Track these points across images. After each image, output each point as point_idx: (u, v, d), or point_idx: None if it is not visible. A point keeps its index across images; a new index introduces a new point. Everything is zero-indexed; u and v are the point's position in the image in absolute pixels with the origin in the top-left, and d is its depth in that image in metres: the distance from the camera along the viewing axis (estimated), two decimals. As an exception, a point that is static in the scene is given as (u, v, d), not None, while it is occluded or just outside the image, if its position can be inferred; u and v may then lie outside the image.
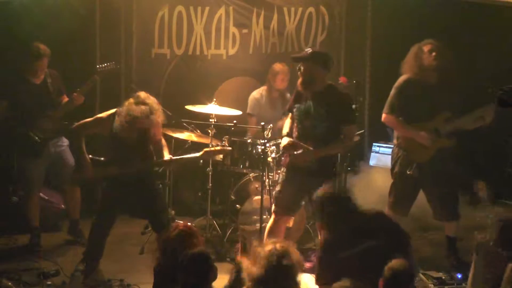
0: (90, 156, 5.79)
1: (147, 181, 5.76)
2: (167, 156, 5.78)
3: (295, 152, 5.58)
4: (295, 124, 5.78)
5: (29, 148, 6.42)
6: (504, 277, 4.40)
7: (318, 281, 4.86)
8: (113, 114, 5.67)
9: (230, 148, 6.27)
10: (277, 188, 5.88)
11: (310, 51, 5.68)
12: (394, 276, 4.19)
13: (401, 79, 6.21)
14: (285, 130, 5.89)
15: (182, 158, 5.91)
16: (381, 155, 7.78)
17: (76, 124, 5.84)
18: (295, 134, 5.76)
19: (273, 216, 5.89)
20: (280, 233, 5.91)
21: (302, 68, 5.64)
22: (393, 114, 6.18)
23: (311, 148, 5.56)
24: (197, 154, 5.86)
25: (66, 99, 6.58)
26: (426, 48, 6.13)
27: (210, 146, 6.20)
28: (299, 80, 5.69)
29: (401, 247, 4.60)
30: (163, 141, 5.92)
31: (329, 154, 5.61)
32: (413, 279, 4.30)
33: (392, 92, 6.22)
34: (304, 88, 5.65)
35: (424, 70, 6.11)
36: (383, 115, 6.25)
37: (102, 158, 5.80)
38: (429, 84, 6.12)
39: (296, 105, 5.75)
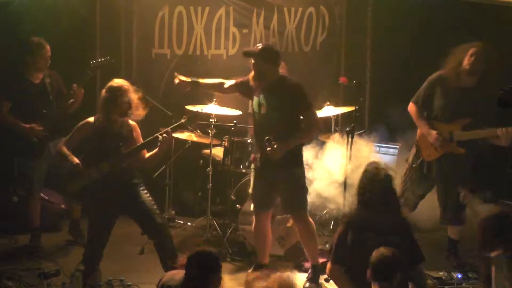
0: (78, 159, 5.66)
1: (130, 186, 5.68)
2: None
3: (268, 149, 5.61)
4: (252, 120, 5.92)
5: (28, 148, 6.42)
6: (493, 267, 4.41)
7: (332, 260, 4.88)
8: (90, 119, 5.69)
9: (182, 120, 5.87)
10: (251, 186, 5.98)
11: (260, 47, 5.78)
12: (380, 262, 4.20)
13: (435, 73, 6.21)
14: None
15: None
16: (381, 155, 7.77)
17: (60, 146, 5.74)
18: (254, 130, 5.89)
19: (254, 216, 5.98)
20: (266, 232, 5.98)
21: (253, 62, 5.75)
22: (417, 104, 6.21)
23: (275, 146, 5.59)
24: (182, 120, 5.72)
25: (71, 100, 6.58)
26: (470, 50, 6.05)
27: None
28: (251, 74, 5.79)
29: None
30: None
31: (295, 144, 5.71)
32: (400, 267, 4.29)
33: (424, 84, 6.24)
34: (255, 82, 5.77)
35: (459, 71, 6.06)
36: (410, 104, 6.28)
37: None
38: (461, 86, 6.05)
39: (251, 100, 5.87)
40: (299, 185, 5.82)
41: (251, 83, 5.83)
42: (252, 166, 5.99)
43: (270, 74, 5.74)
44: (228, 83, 6.04)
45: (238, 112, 7.06)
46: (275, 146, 5.56)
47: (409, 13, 8.02)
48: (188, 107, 7.06)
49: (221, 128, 6.99)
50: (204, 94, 7.47)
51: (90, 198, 5.68)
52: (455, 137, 6.06)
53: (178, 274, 4.34)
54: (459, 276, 5.82)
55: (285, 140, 5.62)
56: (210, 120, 6.78)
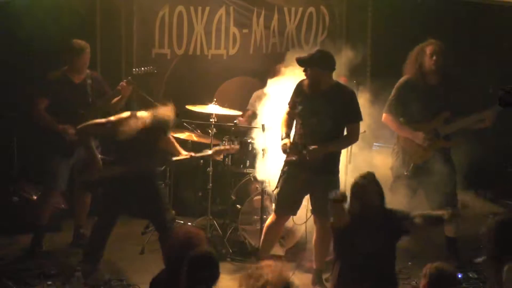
0: (101, 156, 5.72)
1: (150, 180, 5.74)
2: (184, 152, 5.92)
3: (303, 151, 5.52)
4: (299, 122, 5.72)
5: (60, 147, 6.35)
6: (504, 280, 4.37)
7: None
8: (125, 118, 5.64)
9: (238, 147, 6.45)
10: (278, 187, 5.81)
11: (316, 55, 5.61)
12: (440, 276, 4.13)
13: (401, 80, 6.26)
14: (284, 129, 5.78)
15: (197, 156, 6.09)
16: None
17: (83, 125, 5.72)
18: (299, 132, 5.71)
19: (273, 215, 5.88)
20: (278, 232, 5.95)
21: (308, 71, 5.60)
22: (391, 114, 6.23)
23: (313, 147, 5.50)
24: (209, 152, 6.10)
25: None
26: (428, 50, 6.13)
27: (222, 144, 6.45)
28: (306, 82, 5.65)
29: None
30: (171, 138, 5.95)
31: (334, 150, 5.66)
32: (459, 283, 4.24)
33: (392, 92, 6.27)
34: (312, 90, 5.62)
35: (424, 72, 6.13)
36: (383, 115, 6.30)
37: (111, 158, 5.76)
38: (429, 85, 6.14)
39: (301, 103, 5.69)
40: None
41: (305, 89, 5.67)
42: (284, 168, 5.77)
43: (326, 80, 5.61)
44: (284, 118, 5.81)
45: (238, 112, 7.06)
46: (311, 148, 5.47)
47: (409, 13, 8.03)
48: (189, 107, 7.07)
49: (222, 128, 6.99)
50: (204, 94, 7.50)
51: (105, 189, 5.66)
52: (442, 131, 6.11)
53: None
54: (459, 276, 5.81)
55: (325, 144, 5.54)
56: (210, 120, 6.78)
